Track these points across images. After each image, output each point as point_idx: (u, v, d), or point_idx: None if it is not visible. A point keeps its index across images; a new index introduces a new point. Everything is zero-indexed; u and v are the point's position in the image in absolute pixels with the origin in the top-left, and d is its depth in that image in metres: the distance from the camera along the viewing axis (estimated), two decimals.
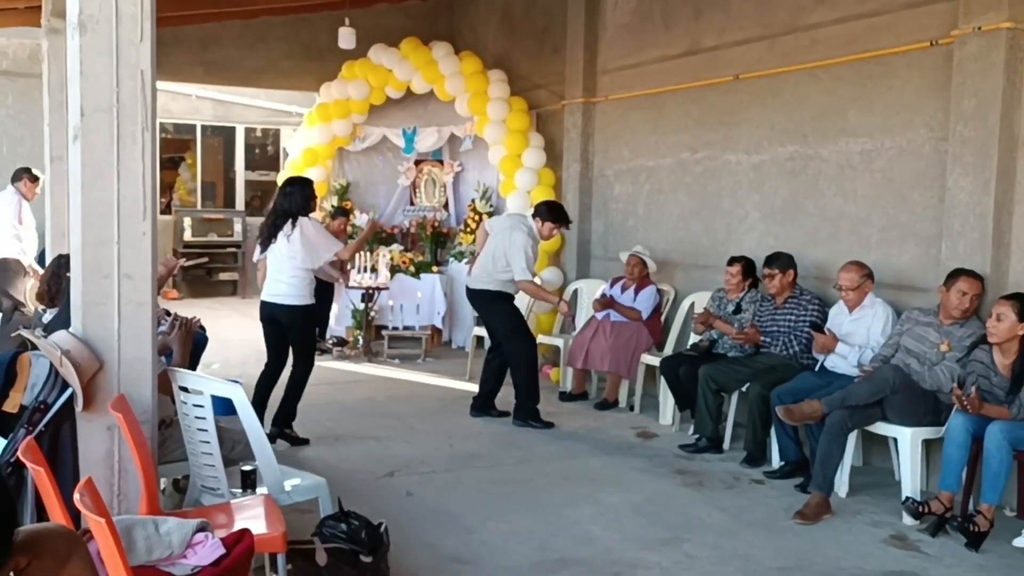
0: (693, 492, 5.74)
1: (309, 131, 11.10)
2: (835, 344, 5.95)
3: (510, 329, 7.40)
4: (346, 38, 10.43)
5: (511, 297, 7.44)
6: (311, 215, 6.50)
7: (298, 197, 6.41)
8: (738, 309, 6.95)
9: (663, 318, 8.08)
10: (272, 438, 6.19)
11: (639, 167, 8.77)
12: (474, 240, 10.68)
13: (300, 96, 14.25)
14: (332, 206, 10.92)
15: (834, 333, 6.02)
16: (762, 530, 5.06)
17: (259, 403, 6.48)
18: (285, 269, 6.39)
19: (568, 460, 6.39)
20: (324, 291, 10.29)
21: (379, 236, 11.05)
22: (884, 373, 5.42)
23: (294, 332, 6.56)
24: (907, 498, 5.19)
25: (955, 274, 5.45)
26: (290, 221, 6.34)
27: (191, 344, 4.79)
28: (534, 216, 7.49)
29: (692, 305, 7.66)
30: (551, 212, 7.48)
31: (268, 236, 6.43)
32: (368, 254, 9.87)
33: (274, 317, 6.52)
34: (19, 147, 12.58)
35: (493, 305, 7.44)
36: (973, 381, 5.12)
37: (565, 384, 8.51)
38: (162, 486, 4.73)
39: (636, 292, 7.98)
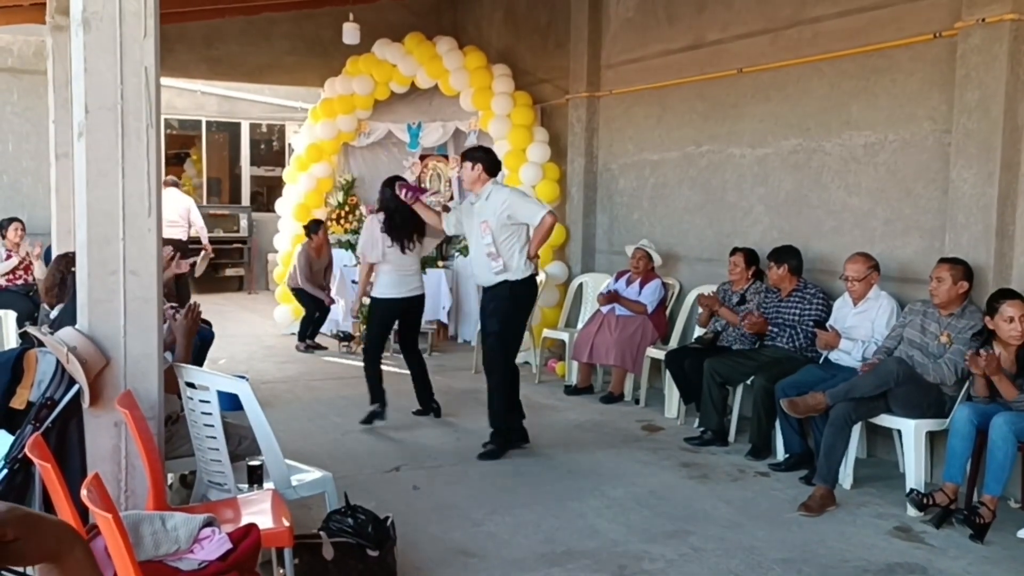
0: (698, 484, 5.76)
1: (314, 127, 11.12)
2: (838, 341, 5.96)
3: None
4: (350, 33, 10.44)
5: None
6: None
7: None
8: (742, 300, 6.97)
9: (668, 311, 8.09)
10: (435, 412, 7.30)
11: (643, 161, 8.78)
12: None
13: (305, 92, 14.25)
14: (304, 227, 10.78)
15: (837, 330, 6.03)
16: (767, 522, 5.08)
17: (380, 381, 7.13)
18: (415, 265, 7.09)
19: (573, 453, 6.40)
20: (316, 302, 10.36)
21: None
22: (888, 366, 5.43)
23: (418, 320, 7.36)
24: (911, 490, 5.20)
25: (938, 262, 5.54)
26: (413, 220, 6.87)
27: (195, 333, 4.79)
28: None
29: (697, 299, 7.65)
30: None
31: (409, 237, 6.95)
32: None
33: (411, 308, 7.17)
34: (24, 144, 12.60)
35: None
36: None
37: (570, 378, 8.52)
38: (169, 481, 4.74)
39: (641, 286, 7.99)
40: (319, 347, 10.31)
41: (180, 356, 4.53)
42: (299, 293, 10.39)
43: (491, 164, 6.43)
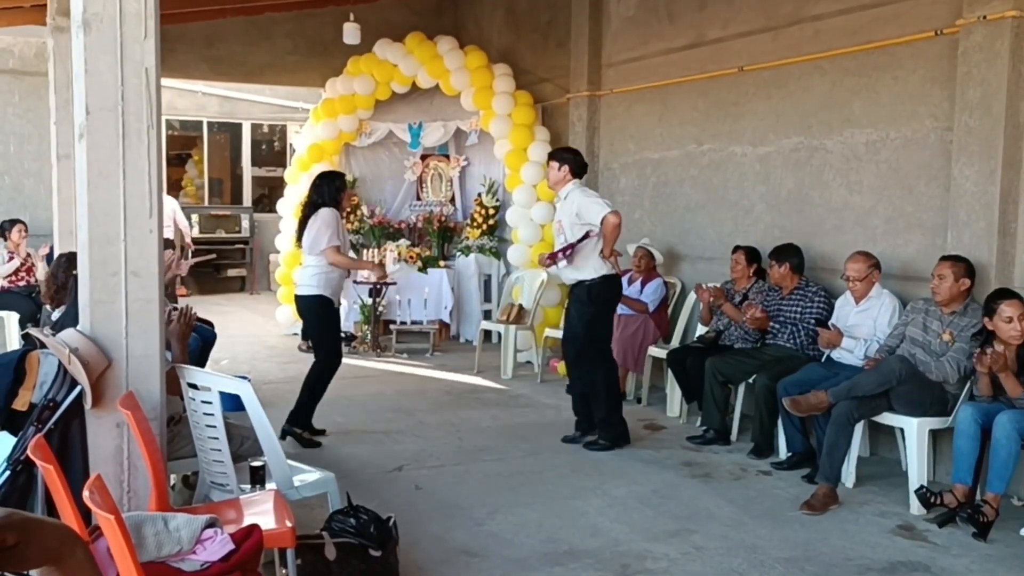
0: (700, 483, 5.75)
1: (315, 127, 11.13)
2: (839, 339, 5.95)
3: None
4: (351, 33, 10.45)
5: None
6: (340, 207, 6.61)
7: (326, 189, 6.52)
8: (744, 299, 6.96)
9: (670, 310, 8.08)
10: (282, 435, 6.24)
11: (645, 160, 8.77)
12: (480, 234, 10.71)
13: (306, 92, 14.27)
14: None
15: (839, 328, 6.02)
16: (769, 521, 5.07)
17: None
18: (304, 259, 6.59)
19: (576, 452, 6.40)
20: None
21: (385, 231, 11.07)
22: (890, 364, 5.42)
23: (307, 322, 6.72)
24: (921, 486, 5.17)
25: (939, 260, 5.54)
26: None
27: (189, 337, 4.79)
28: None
29: (695, 289, 7.63)
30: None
31: (300, 228, 6.61)
32: (376, 249, 9.90)
33: (297, 308, 6.75)
34: (26, 145, 12.62)
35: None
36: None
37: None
38: (171, 482, 4.75)
39: (643, 285, 7.98)
40: (351, 337, 10.28)
41: (176, 359, 4.52)
42: None
43: (578, 166, 6.48)
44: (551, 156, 6.62)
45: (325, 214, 6.45)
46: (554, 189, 6.66)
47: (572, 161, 6.46)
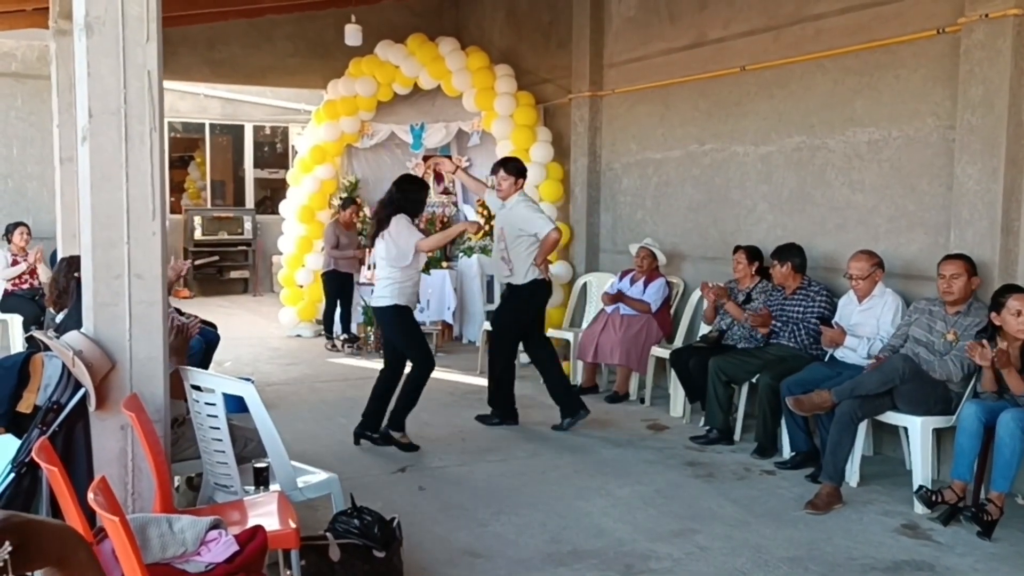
0: (704, 483, 5.75)
1: (317, 128, 11.14)
2: (843, 338, 5.95)
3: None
4: (352, 35, 10.46)
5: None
6: (419, 217, 6.69)
7: (412, 198, 6.57)
8: (748, 299, 6.96)
9: (672, 310, 8.08)
10: (376, 439, 6.45)
11: (647, 160, 8.77)
12: (483, 235, 10.69)
13: (308, 94, 14.29)
14: (340, 198, 11.00)
15: (842, 327, 6.02)
16: (773, 520, 5.07)
17: (372, 410, 6.56)
18: (379, 269, 6.60)
19: (579, 453, 6.40)
20: (344, 287, 10.38)
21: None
22: (894, 363, 5.41)
23: (388, 333, 6.73)
24: (920, 487, 5.18)
25: (942, 259, 5.54)
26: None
27: (187, 350, 4.79)
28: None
29: (701, 297, 7.64)
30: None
31: (376, 231, 6.55)
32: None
33: (376, 318, 6.87)
34: (29, 148, 12.65)
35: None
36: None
37: (576, 377, 8.51)
38: (176, 484, 4.75)
39: (645, 285, 7.99)
40: (337, 348, 10.29)
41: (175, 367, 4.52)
42: (328, 279, 10.37)
43: (525, 176, 7.01)
44: (504, 168, 6.93)
45: (399, 226, 6.39)
46: (504, 199, 6.93)
47: (523, 173, 6.94)
